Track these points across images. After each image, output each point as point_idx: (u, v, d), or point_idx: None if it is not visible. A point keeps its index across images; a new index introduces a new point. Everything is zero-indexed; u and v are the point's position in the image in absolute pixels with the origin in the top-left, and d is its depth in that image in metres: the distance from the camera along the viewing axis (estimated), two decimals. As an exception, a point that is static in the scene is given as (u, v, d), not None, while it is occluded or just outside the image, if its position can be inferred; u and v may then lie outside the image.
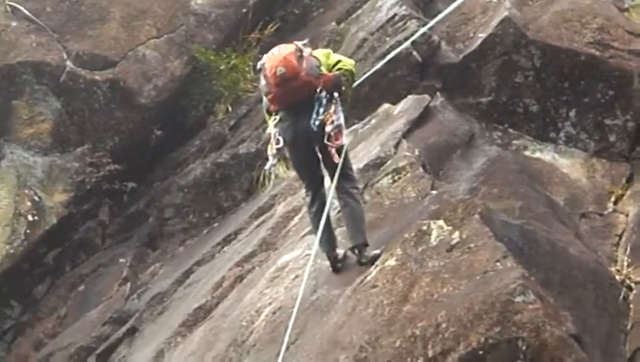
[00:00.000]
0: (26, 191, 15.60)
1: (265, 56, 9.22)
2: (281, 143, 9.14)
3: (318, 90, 9.00)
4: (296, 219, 11.75)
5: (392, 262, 8.63)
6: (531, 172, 11.17)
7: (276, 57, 8.98)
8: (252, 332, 9.59)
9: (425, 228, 8.79)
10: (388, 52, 12.70)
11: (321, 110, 8.94)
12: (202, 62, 16.19)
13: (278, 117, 9.20)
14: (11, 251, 15.17)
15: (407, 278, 8.28)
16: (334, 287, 9.24)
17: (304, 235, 11.01)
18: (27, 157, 15.80)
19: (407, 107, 12.00)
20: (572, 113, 12.35)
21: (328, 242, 9.32)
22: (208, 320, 11.05)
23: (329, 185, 9.34)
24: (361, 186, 9.92)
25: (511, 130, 12.26)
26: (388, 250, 8.91)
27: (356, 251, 9.17)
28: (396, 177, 10.56)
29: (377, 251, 9.07)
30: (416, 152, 10.84)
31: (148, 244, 15.37)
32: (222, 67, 16.04)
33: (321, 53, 9.41)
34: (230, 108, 15.90)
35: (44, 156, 15.85)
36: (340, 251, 9.44)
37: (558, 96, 12.41)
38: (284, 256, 10.68)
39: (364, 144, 11.86)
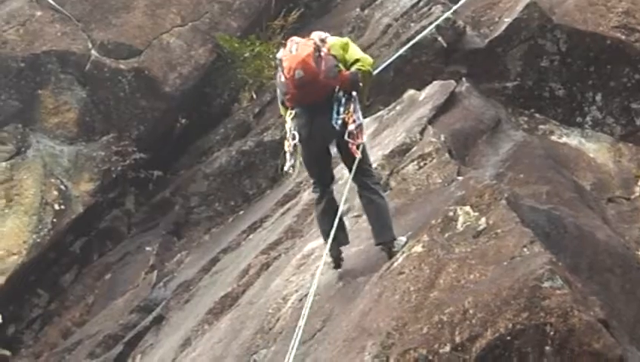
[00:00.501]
0: (53, 180, 15.67)
1: (282, 51, 9.07)
2: (297, 139, 9.06)
3: (336, 89, 8.90)
4: (321, 206, 11.72)
5: (418, 248, 8.59)
6: (558, 157, 11.11)
7: (294, 58, 8.79)
8: (279, 320, 9.59)
9: (451, 214, 8.74)
10: (412, 37, 12.67)
11: (342, 109, 8.85)
12: (227, 50, 16.19)
13: (294, 112, 9.11)
14: (38, 240, 15.23)
15: (434, 264, 8.25)
16: (360, 274, 9.22)
17: (330, 222, 11.00)
18: (53, 146, 15.86)
19: (432, 93, 11.95)
20: (598, 97, 12.28)
21: (335, 238, 9.14)
22: (235, 307, 11.05)
23: (345, 180, 9.27)
24: (382, 181, 9.81)
25: (537, 115, 12.19)
26: (414, 236, 8.88)
27: (385, 248, 9.06)
28: (422, 163, 10.52)
29: (404, 238, 9.02)
30: (442, 138, 10.79)
31: (174, 232, 15.42)
32: (246, 54, 16.04)
33: (338, 43, 9.22)
34: (255, 96, 15.91)
35: (70, 145, 15.92)
36: (343, 250, 9.34)
37: (584, 81, 12.33)
38: (310, 243, 10.66)
39: (389, 130, 11.82)
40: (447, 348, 7.35)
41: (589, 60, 12.32)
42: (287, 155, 9.17)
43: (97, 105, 15.99)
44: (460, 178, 9.89)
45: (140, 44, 16.16)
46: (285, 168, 9.48)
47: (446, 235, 8.53)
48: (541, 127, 12.07)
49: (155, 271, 14.49)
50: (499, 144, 10.98)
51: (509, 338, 7.15)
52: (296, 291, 9.72)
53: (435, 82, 12.25)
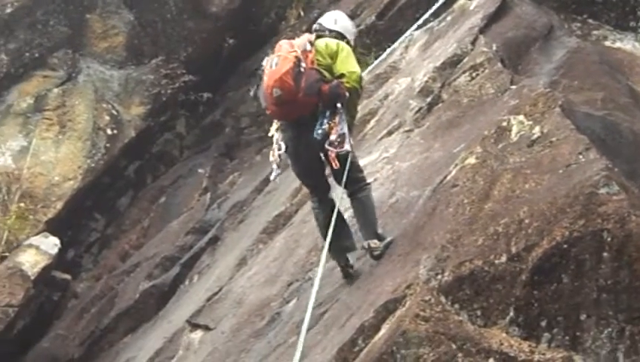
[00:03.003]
0: (104, 105, 15.79)
1: (266, 59, 8.60)
2: (283, 149, 8.68)
3: (319, 105, 8.47)
4: (372, 123, 11.65)
5: (472, 160, 8.48)
6: (612, 62, 10.85)
7: (273, 74, 8.31)
8: (332, 237, 9.56)
9: (505, 124, 8.60)
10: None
11: (325, 121, 8.43)
12: (273, -33, 16.04)
13: (279, 124, 8.77)
14: (92, 165, 15.42)
15: (488, 176, 8.14)
16: (413, 189, 9.14)
17: (381, 138, 10.91)
18: (103, 71, 15.96)
19: (483, 1, 11.73)
20: (652, 0, 11.98)
21: (338, 248, 8.72)
22: (288, 226, 11.08)
23: (338, 191, 8.82)
24: (370, 180, 9.28)
25: (590, 21, 11.90)
26: (467, 148, 8.76)
27: (366, 246, 8.61)
28: (474, 74, 10.34)
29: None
30: (494, 47, 10.59)
31: (225, 154, 15.47)
32: (293, -29, 15.89)
33: (326, 50, 8.68)
34: (302, 13, 15.77)
35: (120, 69, 16.02)
36: (351, 256, 8.87)
37: (638, -16, 12.02)
38: (361, 160, 10.55)
39: (440, 42, 11.66)
40: (504, 259, 7.26)
41: (643, -38, 12.00)
42: (274, 165, 8.77)
43: (145, 27, 16.01)
44: (513, 87, 9.70)
45: (185, -38, 16.12)
46: (271, 178, 9.18)
47: (500, 146, 8.40)
48: (594, 32, 11.79)
49: (209, 193, 14.59)
50: (552, 51, 10.74)
51: (565, 246, 7.04)
52: (349, 208, 9.65)
53: (485, -10, 12.01)
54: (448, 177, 8.61)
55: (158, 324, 12.38)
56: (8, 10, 15.72)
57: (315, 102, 8.43)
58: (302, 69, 8.37)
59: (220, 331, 10.27)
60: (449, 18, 12.13)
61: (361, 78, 8.78)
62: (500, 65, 10.29)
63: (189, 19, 15.99)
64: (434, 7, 12.42)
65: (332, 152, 8.38)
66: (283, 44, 8.61)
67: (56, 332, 14.36)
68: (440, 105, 10.48)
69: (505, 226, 7.48)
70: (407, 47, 12.48)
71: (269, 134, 8.91)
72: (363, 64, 13.06)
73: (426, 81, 10.83)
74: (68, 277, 15.11)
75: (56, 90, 15.79)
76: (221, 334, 10.15)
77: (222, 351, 9.80)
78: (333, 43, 8.77)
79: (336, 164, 8.42)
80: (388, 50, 12.57)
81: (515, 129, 8.51)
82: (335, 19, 9.17)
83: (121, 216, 15.90)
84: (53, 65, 15.95)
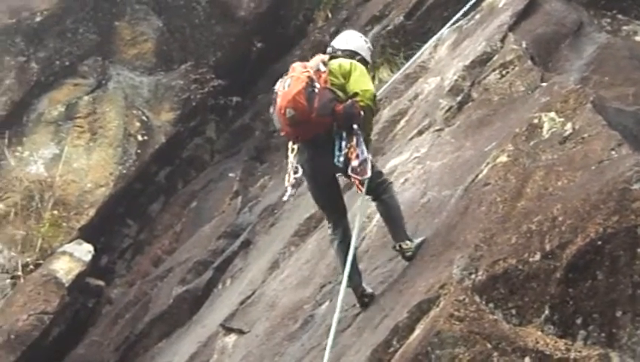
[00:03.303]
0: (134, 112, 15.87)
1: (279, 81, 8.56)
2: (300, 172, 8.62)
3: (334, 125, 8.37)
4: (402, 123, 11.62)
5: (503, 158, 8.46)
6: (642, 57, 10.80)
7: (286, 95, 8.26)
8: (364, 239, 9.56)
9: (536, 121, 8.57)
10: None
11: (344, 144, 8.35)
12: (300, -30, 16.05)
13: (295, 147, 8.66)
14: (124, 171, 15.50)
15: (520, 174, 8.11)
16: (445, 188, 9.12)
17: (411, 138, 10.88)
18: (133, 77, 16.04)
19: (511, -1, 11.69)
20: (681, -7, 11.87)
21: (354, 276, 8.61)
22: (320, 229, 11.05)
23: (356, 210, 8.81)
24: (396, 179, 9.42)
25: (620, 16, 11.81)
26: (499, 146, 8.72)
27: (397, 248, 8.57)
28: (504, 72, 10.30)
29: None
30: (524, 45, 10.54)
31: (256, 158, 15.49)
32: (320, -27, 15.90)
33: (339, 70, 8.59)
34: (330, 15, 15.76)
35: (149, 76, 16.09)
36: (366, 286, 8.73)
37: (667, -23, 11.92)
38: (392, 160, 10.60)
39: (469, 40, 11.61)
40: (538, 257, 7.23)
41: (672, -44, 11.89)
42: (289, 188, 8.70)
43: (173, 33, 16.10)
44: (544, 84, 9.66)
45: (213, -33, 16.16)
46: (284, 198, 9.16)
47: (531, 143, 8.38)
48: (624, 28, 11.71)
49: (240, 197, 14.59)
50: (582, 47, 10.69)
51: (599, 242, 7.00)
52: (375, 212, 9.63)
53: (514, -12, 11.95)
54: (480, 176, 8.59)
55: (192, 329, 12.40)
56: (38, 19, 15.84)
57: (330, 122, 8.35)
58: (315, 89, 8.30)
59: (253, 335, 10.28)
60: (477, 16, 12.08)
61: (375, 96, 8.69)
62: (530, 62, 10.25)
63: (217, 24, 16.03)
64: (466, 7, 12.36)
65: (355, 179, 8.35)
66: (296, 66, 8.60)
67: (91, 338, 14.41)
68: (470, 103, 10.44)
69: (538, 224, 7.45)
70: (436, 47, 12.43)
71: (288, 160, 8.76)
72: (392, 64, 13.09)
73: (456, 80, 10.79)
74: (102, 283, 15.17)
75: (86, 98, 15.89)
76: (255, 337, 10.16)
77: (256, 355, 9.81)
78: (346, 63, 8.70)
79: (361, 190, 8.39)
80: (421, 50, 12.52)
81: (546, 126, 8.47)
82: (347, 39, 9.17)
83: (153, 221, 15.95)
84: (83, 72, 16.05)
